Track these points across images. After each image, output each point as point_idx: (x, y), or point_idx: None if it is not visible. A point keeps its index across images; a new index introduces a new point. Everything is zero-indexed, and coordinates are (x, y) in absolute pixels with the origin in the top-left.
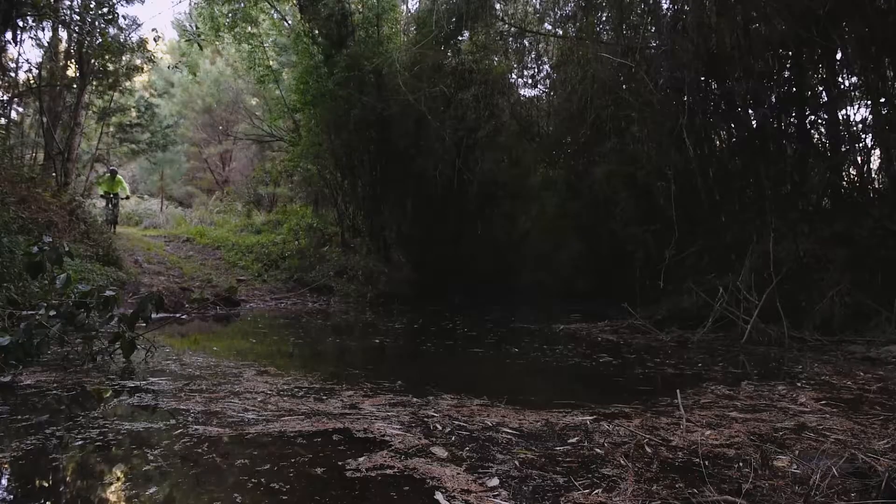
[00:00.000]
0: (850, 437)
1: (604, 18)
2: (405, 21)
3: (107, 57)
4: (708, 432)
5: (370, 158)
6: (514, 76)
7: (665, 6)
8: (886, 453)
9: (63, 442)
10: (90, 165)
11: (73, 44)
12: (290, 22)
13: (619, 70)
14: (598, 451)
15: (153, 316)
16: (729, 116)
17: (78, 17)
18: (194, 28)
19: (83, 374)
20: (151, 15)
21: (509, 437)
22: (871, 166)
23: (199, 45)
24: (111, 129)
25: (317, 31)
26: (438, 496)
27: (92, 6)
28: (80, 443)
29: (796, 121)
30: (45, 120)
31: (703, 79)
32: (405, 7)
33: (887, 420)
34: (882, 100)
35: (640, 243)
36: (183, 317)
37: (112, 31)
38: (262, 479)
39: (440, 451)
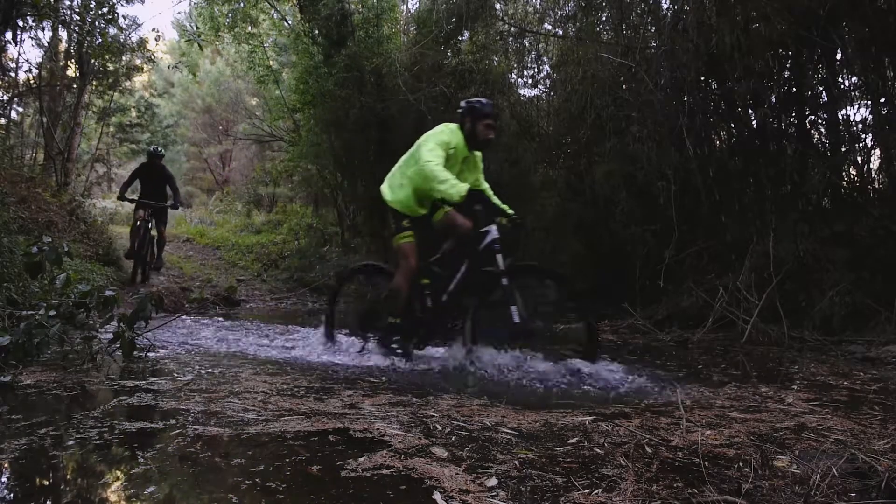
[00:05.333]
0: (850, 437)
1: (604, 18)
2: (405, 21)
3: (107, 57)
4: (708, 432)
5: (370, 158)
6: (514, 76)
7: (665, 6)
8: (886, 453)
9: (62, 441)
10: (90, 165)
11: (73, 44)
12: (290, 22)
13: (619, 70)
14: (597, 451)
15: (153, 315)
16: (729, 116)
17: (78, 17)
18: (194, 28)
19: (83, 374)
20: (151, 15)
21: (509, 437)
22: (871, 166)
23: (199, 45)
24: (111, 129)
25: (317, 31)
26: (437, 496)
27: (92, 6)
28: (78, 442)
29: (796, 121)
30: (45, 120)
31: (703, 79)
32: (405, 7)
33: (887, 420)
34: (882, 100)
35: (640, 243)
36: (182, 316)
37: (112, 31)
38: (261, 479)
39: (439, 451)
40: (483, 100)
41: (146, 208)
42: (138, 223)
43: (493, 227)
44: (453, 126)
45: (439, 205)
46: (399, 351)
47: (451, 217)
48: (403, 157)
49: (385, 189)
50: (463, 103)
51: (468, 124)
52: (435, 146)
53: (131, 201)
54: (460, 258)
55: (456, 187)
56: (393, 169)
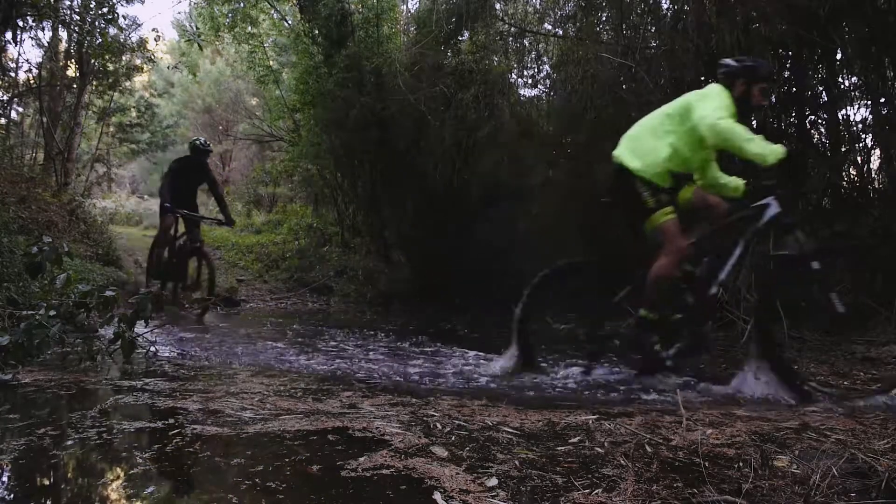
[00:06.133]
0: (852, 437)
1: (604, 18)
2: (405, 21)
3: (107, 57)
4: (709, 431)
5: (370, 158)
6: (514, 76)
7: (665, 6)
8: (886, 453)
9: (60, 441)
10: (90, 165)
11: (73, 44)
12: (290, 22)
13: (619, 70)
14: (598, 450)
15: (153, 316)
16: None
17: (78, 17)
18: (194, 28)
19: (82, 374)
20: (151, 15)
21: (510, 436)
22: (871, 166)
23: (199, 45)
24: (111, 129)
25: (317, 31)
26: (437, 496)
27: (92, 6)
28: (77, 442)
29: (796, 121)
30: (45, 120)
31: (703, 79)
32: (405, 7)
33: (888, 420)
34: (882, 100)
35: (640, 243)
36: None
37: (112, 31)
38: (260, 479)
39: (440, 451)
40: (759, 59)
41: (186, 218)
42: (169, 236)
43: (772, 200)
44: (720, 87)
45: (683, 181)
46: (667, 360)
47: (702, 196)
48: (655, 116)
49: (626, 154)
50: (732, 63)
51: (740, 87)
52: (721, 105)
53: (184, 215)
54: (730, 240)
55: (770, 147)
56: (634, 131)
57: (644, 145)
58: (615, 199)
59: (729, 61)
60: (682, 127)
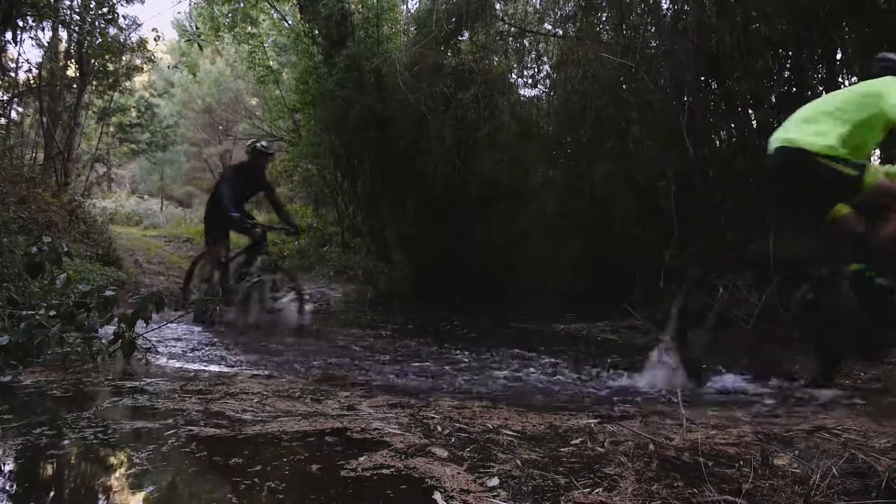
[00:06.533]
0: (860, 437)
1: (604, 18)
2: (405, 21)
3: (107, 57)
4: (713, 432)
5: (370, 158)
6: (514, 76)
7: (665, 6)
8: (886, 453)
9: (59, 442)
10: (90, 165)
11: (73, 44)
12: (290, 22)
13: (619, 70)
14: (599, 450)
15: (153, 316)
16: (729, 116)
17: (78, 17)
18: (194, 28)
19: (82, 375)
20: (151, 15)
21: (511, 438)
22: None
23: (199, 45)
24: (111, 129)
25: (317, 31)
26: (437, 496)
27: (92, 6)
28: (76, 443)
29: None
30: (45, 120)
31: (703, 79)
32: (405, 7)
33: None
34: None
35: (640, 243)
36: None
37: (112, 31)
38: (259, 479)
39: (440, 451)
40: None
41: (254, 232)
42: (216, 271)
43: None
44: None
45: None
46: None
47: (890, 185)
48: (827, 102)
49: (799, 136)
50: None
51: None
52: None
53: (255, 224)
54: None
55: None
56: (804, 114)
57: (820, 127)
58: (788, 188)
59: (893, 56)
60: (859, 115)
